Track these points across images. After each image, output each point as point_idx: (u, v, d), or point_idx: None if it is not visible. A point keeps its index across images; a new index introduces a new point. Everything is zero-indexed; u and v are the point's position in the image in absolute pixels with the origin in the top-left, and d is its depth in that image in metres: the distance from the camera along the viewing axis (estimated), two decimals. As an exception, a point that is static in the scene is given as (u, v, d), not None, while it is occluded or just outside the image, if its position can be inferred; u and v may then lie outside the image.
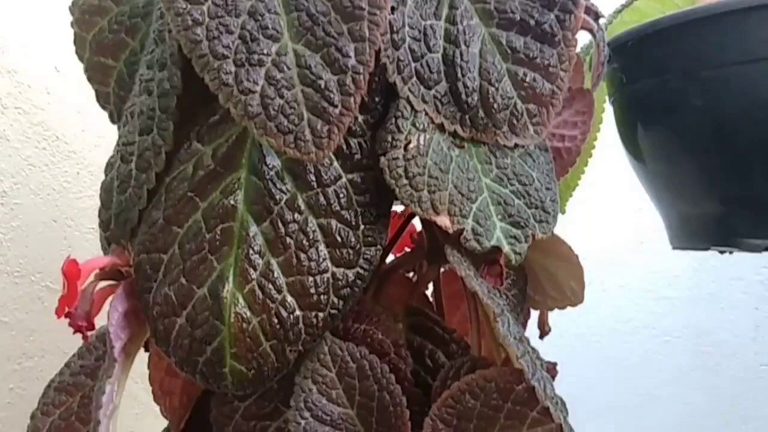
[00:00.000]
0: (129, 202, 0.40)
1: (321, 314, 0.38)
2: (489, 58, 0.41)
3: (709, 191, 0.56)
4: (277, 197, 0.38)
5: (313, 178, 0.38)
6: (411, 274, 0.54)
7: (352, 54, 0.34)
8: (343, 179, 0.39)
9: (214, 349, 0.38)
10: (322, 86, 0.34)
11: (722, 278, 1.11)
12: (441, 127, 0.40)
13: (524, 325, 0.52)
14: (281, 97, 0.34)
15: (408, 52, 0.39)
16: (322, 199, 0.38)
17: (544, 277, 0.48)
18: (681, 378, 1.13)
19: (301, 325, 0.38)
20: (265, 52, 0.35)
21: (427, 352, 0.43)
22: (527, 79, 0.41)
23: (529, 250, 0.41)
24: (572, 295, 0.47)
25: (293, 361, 0.38)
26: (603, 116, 0.61)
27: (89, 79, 0.50)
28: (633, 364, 1.14)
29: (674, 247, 0.63)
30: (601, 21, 0.48)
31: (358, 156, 0.39)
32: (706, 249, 0.58)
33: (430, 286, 0.51)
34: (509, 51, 0.41)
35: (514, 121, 0.41)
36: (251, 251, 0.38)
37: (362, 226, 0.39)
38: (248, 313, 0.37)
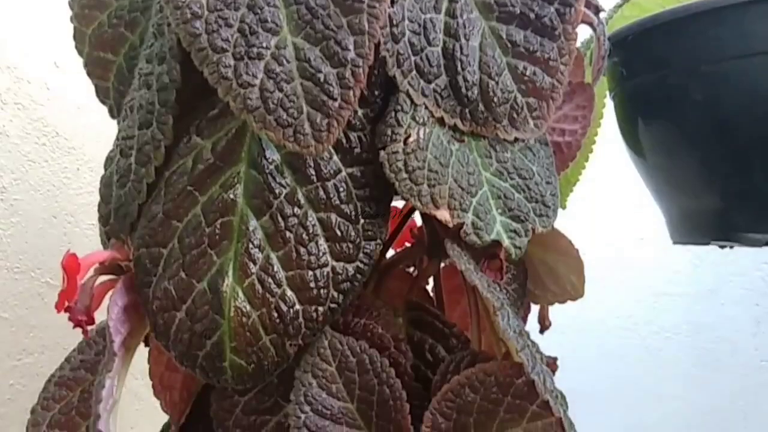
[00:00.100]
0: (128, 196, 0.40)
1: (321, 308, 0.38)
2: (489, 51, 0.41)
3: (710, 186, 0.56)
4: (277, 191, 0.38)
5: (313, 172, 0.38)
6: (411, 269, 0.54)
7: (351, 47, 0.34)
8: (343, 173, 0.39)
9: (213, 344, 0.38)
10: (322, 79, 0.34)
11: (723, 274, 1.11)
12: (441, 121, 0.40)
13: (524, 320, 0.52)
14: (280, 90, 0.34)
15: (408, 46, 0.39)
16: (321, 193, 0.38)
17: (544, 272, 0.48)
18: (681, 374, 1.13)
19: (300, 319, 0.38)
20: (264, 45, 0.34)
21: (427, 346, 0.43)
22: (527, 73, 0.41)
23: (529, 244, 0.41)
24: (572, 290, 0.47)
25: (293, 356, 0.38)
26: (603, 111, 0.61)
27: (89, 74, 0.50)
28: (633, 360, 1.14)
29: (675, 242, 0.63)
30: (602, 15, 0.48)
31: (357, 150, 0.39)
32: (707, 243, 0.58)
33: (431, 281, 0.51)
34: (509, 44, 0.41)
35: (514, 115, 0.41)
36: (251, 245, 0.38)
37: (362, 220, 0.39)
38: (248, 307, 0.37)
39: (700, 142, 0.54)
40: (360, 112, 0.39)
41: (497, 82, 0.40)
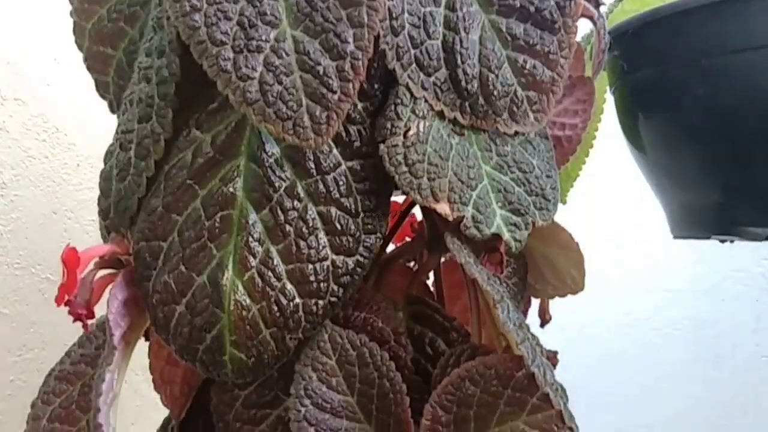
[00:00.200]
0: (128, 190, 0.40)
1: (321, 302, 0.38)
2: (489, 44, 0.41)
3: (710, 180, 0.55)
4: (277, 185, 0.38)
5: (313, 166, 0.38)
6: (412, 264, 0.54)
7: (350, 40, 0.34)
8: (343, 167, 0.39)
9: (213, 337, 0.38)
10: (321, 72, 0.34)
11: (723, 270, 1.11)
12: (441, 114, 0.40)
13: (525, 314, 0.52)
14: (280, 83, 0.34)
15: (407, 39, 0.39)
16: (321, 186, 0.38)
17: (545, 265, 0.48)
18: (682, 370, 1.13)
19: (300, 312, 0.38)
20: (263, 38, 0.34)
21: (428, 340, 0.43)
22: (527, 66, 0.41)
23: (529, 237, 0.41)
24: (572, 283, 0.47)
25: (293, 349, 0.38)
26: (604, 106, 0.61)
27: (88, 69, 0.50)
28: (633, 356, 1.14)
29: (675, 237, 0.63)
30: (602, 9, 0.48)
31: (357, 143, 0.39)
32: (707, 238, 0.58)
33: (431, 276, 0.51)
34: (509, 38, 0.41)
35: (514, 109, 0.41)
36: (251, 239, 0.37)
37: (362, 214, 0.39)
38: (248, 301, 0.37)
39: (700, 136, 0.54)
40: (360, 105, 0.39)
41: (497, 76, 0.40)
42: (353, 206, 0.39)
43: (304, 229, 0.38)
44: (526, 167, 0.42)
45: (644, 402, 1.15)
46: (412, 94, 0.39)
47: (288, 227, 0.38)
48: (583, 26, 0.49)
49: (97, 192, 0.44)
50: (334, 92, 0.34)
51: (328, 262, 0.38)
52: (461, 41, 0.40)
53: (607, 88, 0.62)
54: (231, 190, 0.38)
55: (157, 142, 0.39)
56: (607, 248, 1.11)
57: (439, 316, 0.44)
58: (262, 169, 0.38)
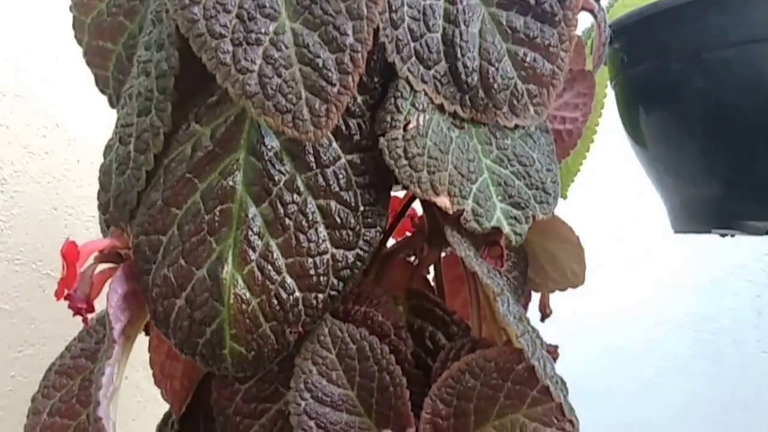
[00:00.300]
0: (127, 183, 0.40)
1: (321, 295, 0.38)
2: (489, 37, 0.40)
3: (711, 174, 0.55)
4: (276, 178, 0.38)
5: (312, 159, 0.38)
6: (412, 258, 0.54)
7: (350, 32, 0.34)
8: (343, 160, 0.39)
9: (213, 331, 0.37)
10: (320, 65, 0.34)
11: (724, 266, 1.11)
12: (441, 108, 0.40)
13: (525, 308, 0.51)
14: (279, 76, 0.34)
15: (407, 32, 0.39)
16: (321, 180, 0.38)
17: (545, 259, 0.48)
18: (682, 366, 1.13)
19: (300, 306, 0.38)
20: (262, 31, 0.34)
21: (428, 333, 0.43)
22: (527, 59, 0.41)
23: (529, 231, 0.41)
24: (573, 277, 0.47)
25: (293, 343, 0.38)
26: (604, 101, 0.60)
27: (88, 63, 0.50)
28: (634, 351, 1.14)
29: (676, 231, 0.63)
30: (603, 2, 0.48)
31: (357, 137, 0.39)
32: (708, 232, 0.58)
33: (432, 271, 0.51)
34: (509, 31, 0.41)
35: (515, 102, 0.41)
36: (250, 232, 0.37)
37: (362, 208, 0.39)
38: (247, 295, 0.37)
39: (701, 129, 0.54)
40: (359, 98, 0.39)
41: (497, 69, 0.40)
42: (353, 200, 0.39)
43: (303, 222, 0.38)
44: (527, 160, 0.42)
45: (644, 397, 1.15)
46: (411, 87, 0.39)
47: (288, 221, 0.38)
48: (584, 20, 0.48)
49: (97, 188, 0.44)
50: (334, 85, 0.34)
51: (328, 256, 0.38)
52: (461, 34, 0.40)
53: (608, 82, 0.62)
54: (230, 183, 0.38)
55: (156, 135, 0.39)
56: (607, 243, 1.11)
57: (440, 309, 0.44)
58: (262, 162, 0.38)
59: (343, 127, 0.38)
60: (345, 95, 0.34)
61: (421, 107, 0.39)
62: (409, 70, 0.39)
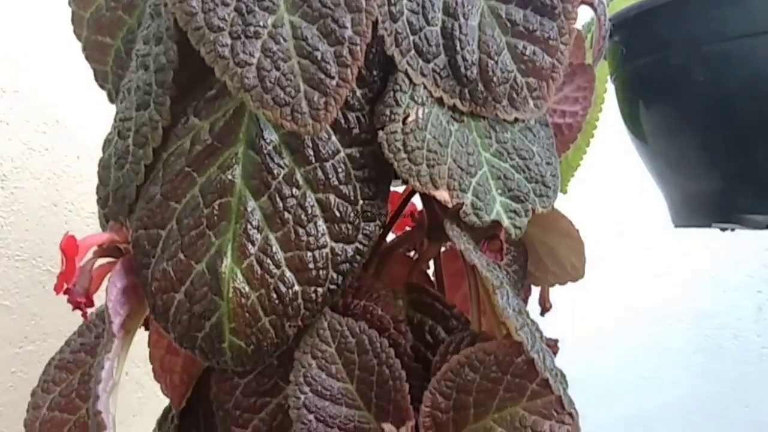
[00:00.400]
0: (126, 178, 0.40)
1: (320, 289, 0.38)
2: (488, 31, 0.40)
3: (711, 167, 0.55)
4: (275, 172, 0.38)
5: (311, 153, 0.38)
6: (412, 253, 0.54)
7: (348, 25, 0.34)
8: (342, 154, 0.38)
9: (213, 325, 0.37)
10: (319, 58, 0.34)
11: (725, 261, 1.11)
12: (440, 101, 0.40)
13: (525, 302, 0.51)
14: (277, 69, 0.34)
15: (406, 25, 0.39)
16: (320, 173, 0.38)
17: (545, 253, 0.48)
18: (683, 361, 1.13)
19: (300, 300, 0.38)
20: (261, 24, 0.34)
21: (427, 327, 0.43)
22: (527, 53, 0.41)
23: (529, 225, 0.41)
24: (573, 270, 0.47)
25: (292, 337, 0.38)
26: (604, 96, 0.60)
27: (87, 58, 0.50)
28: (634, 347, 1.14)
29: (676, 226, 0.63)
30: (602, -5, 0.47)
31: (356, 130, 0.39)
32: (708, 226, 0.58)
33: (432, 266, 0.51)
34: (509, 24, 0.41)
35: (514, 95, 0.41)
36: (249, 226, 0.37)
37: (361, 201, 0.39)
38: (247, 288, 0.37)
39: (701, 123, 0.54)
40: (358, 92, 0.39)
41: (497, 62, 0.40)
42: (352, 193, 0.39)
43: (303, 216, 0.38)
44: (526, 154, 0.42)
45: (644, 392, 1.15)
46: (411, 81, 0.39)
47: (287, 214, 0.37)
48: (584, 13, 0.48)
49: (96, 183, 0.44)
50: (332, 78, 0.34)
51: (327, 250, 0.38)
52: (460, 27, 0.40)
53: (608, 76, 0.62)
54: (229, 177, 0.38)
55: (155, 129, 0.39)
56: (607, 237, 1.11)
57: (439, 303, 0.44)
58: (261, 156, 0.38)
59: (342, 121, 0.38)
60: (344, 88, 0.34)
61: (420, 100, 0.39)
62: (408, 63, 0.39)
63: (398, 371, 0.38)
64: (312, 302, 0.38)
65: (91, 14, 0.48)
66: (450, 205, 0.39)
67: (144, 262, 0.39)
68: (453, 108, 0.40)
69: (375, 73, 0.39)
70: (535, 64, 0.41)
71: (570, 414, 0.35)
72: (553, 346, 0.47)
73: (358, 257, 0.39)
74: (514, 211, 0.40)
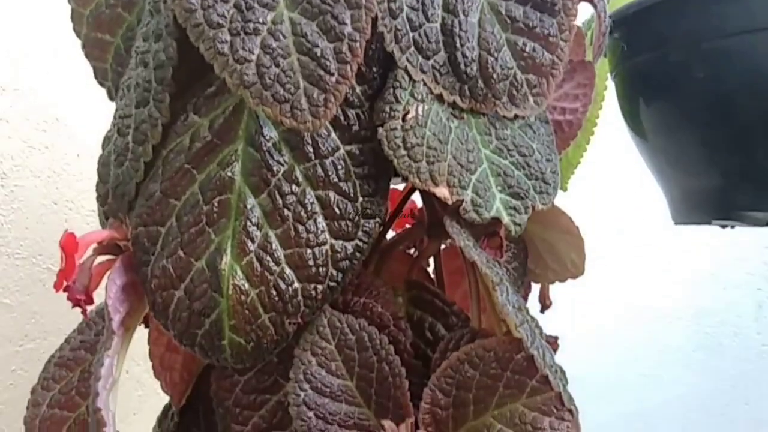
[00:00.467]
0: (126, 175, 0.40)
1: (320, 286, 0.38)
2: (488, 27, 0.40)
3: (711, 164, 0.55)
4: (275, 169, 0.38)
5: (311, 150, 0.38)
6: (412, 251, 0.54)
7: (348, 21, 0.34)
8: (341, 151, 0.38)
9: (212, 322, 0.37)
10: (318, 54, 0.34)
11: (725, 258, 1.11)
12: (440, 98, 0.40)
13: (525, 299, 0.51)
14: (277, 65, 0.34)
15: (406, 22, 0.38)
16: (320, 170, 0.38)
17: (545, 250, 0.48)
18: (683, 358, 1.13)
19: (299, 297, 0.38)
20: (260, 20, 0.34)
21: (427, 324, 0.43)
22: (527, 49, 0.41)
23: (529, 222, 0.41)
24: (573, 267, 0.47)
25: (292, 334, 0.38)
26: (605, 93, 0.60)
27: (87, 56, 0.50)
28: (634, 344, 1.14)
29: (676, 223, 0.62)
30: (602, -8, 0.47)
31: (356, 127, 0.39)
32: (708, 223, 0.58)
33: (432, 263, 0.51)
34: (508, 20, 0.41)
35: (514, 92, 0.41)
36: (249, 223, 0.37)
37: (361, 198, 0.39)
38: (246, 285, 0.37)
39: (701, 120, 0.54)
40: (358, 89, 0.39)
41: (496, 59, 0.40)
42: (352, 190, 0.39)
43: (302, 213, 0.38)
44: (526, 151, 0.42)
45: (644, 389, 1.15)
46: (410, 78, 0.39)
47: (286, 211, 0.37)
48: (584, 10, 0.48)
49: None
50: (332, 74, 0.34)
51: (327, 247, 0.38)
52: (460, 24, 0.40)
53: (608, 73, 0.62)
54: (229, 174, 0.38)
55: (154, 126, 0.39)
56: (607, 234, 1.11)
57: (439, 300, 0.44)
58: (260, 153, 0.38)
59: (342, 118, 0.38)
60: (343, 85, 0.34)
61: (420, 97, 0.39)
62: (407, 60, 0.39)
63: (398, 368, 0.38)
64: (312, 299, 0.38)
65: (90, 11, 0.48)
66: (450, 202, 0.39)
67: (143, 260, 0.39)
68: (453, 105, 0.40)
69: (375, 69, 0.39)
70: (535, 60, 0.41)
71: (570, 411, 0.35)
72: (553, 343, 0.47)
73: (357, 254, 0.39)
74: (514, 208, 0.40)
